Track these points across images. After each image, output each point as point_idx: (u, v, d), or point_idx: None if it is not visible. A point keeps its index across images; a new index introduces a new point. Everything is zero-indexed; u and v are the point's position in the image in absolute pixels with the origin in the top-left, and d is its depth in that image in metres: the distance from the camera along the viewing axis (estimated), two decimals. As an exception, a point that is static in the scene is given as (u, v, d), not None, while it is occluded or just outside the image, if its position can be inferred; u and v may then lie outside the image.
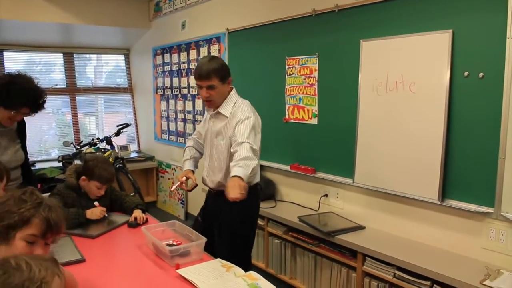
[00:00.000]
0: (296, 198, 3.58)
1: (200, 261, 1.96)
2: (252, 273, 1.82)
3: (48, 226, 1.42)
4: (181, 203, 5.18)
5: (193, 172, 2.55)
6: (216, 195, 2.49)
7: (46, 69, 5.60)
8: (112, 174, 2.53)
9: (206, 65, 2.30)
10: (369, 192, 2.96)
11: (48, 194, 2.55)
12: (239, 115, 2.29)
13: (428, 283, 2.35)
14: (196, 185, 2.43)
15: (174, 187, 2.43)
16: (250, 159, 2.07)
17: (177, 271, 1.83)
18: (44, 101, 2.52)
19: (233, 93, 2.43)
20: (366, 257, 2.66)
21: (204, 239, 2.01)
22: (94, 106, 6.08)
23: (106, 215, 2.49)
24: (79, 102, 5.85)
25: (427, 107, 2.50)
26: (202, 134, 2.61)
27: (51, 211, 1.42)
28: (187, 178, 2.43)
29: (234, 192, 1.85)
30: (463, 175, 2.40)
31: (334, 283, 2.94)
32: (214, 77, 2.29)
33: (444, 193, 2.49)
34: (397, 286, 2.52)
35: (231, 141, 2.30)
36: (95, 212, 2.42)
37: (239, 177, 1.94)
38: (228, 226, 2.45)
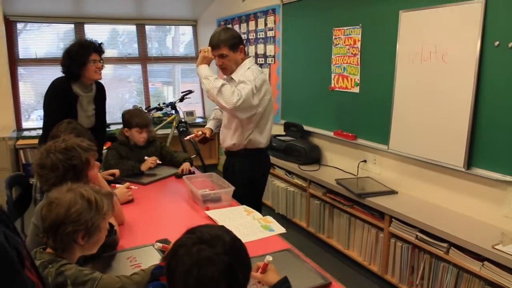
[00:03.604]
0: (338, 163, 3.76)
1: (228, 206, 2.27)
2: (268, 217, 2.10)
3: (95, 152, 1.88)
4: (238, 166, 5.53)
5: (211, 130, 2.88)
6: (227, 153, 2.84)
7: (122, 40, 6.14)
8: (145, 119, 2.97)
9: (216, 36, 2.56)
10: (402, 159, 3.08)
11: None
12: (240, 79, 2.53)
13: (445, 245, 2.48)
14: (205, 138, 2.77)
15: (188, 137, 2.84)
16: (215, 88, 2.42)
17: (206, 212, 2.15)
18: (101, 43, 2.92)
19: (248, 61, 2.64)
20: (393, 219, 2.82)
21: (232, 188, 2.32)
22: (171, 76, 6.56)
23: (160, 162, 2.89)
24: (159, 72, 6.38)
25: (458, 76, 2.56)
26: None
27: (83, 142, 1.82)
28: (203, 133, 2.76)
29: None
30: (489, 144, 2.46)
31: (365, 243, 3.13)
32: (223, 46, 2.53)
33: (470, 161, 2.56)
34: (418, 247, 2.67)
35: None
36: (147, 163, 2.81)
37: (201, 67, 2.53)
38: (236, 178, 2.69)
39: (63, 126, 2.29)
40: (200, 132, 2.77)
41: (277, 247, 1.79)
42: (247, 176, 2.69)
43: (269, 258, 1.41)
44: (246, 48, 4.98)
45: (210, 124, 2.95)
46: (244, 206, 2.26)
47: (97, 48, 2.87)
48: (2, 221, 0.91)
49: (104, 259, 1.66)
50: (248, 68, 2.60)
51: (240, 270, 1.03)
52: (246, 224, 2.00)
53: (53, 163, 1.70)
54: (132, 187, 2.41)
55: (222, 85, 2.42)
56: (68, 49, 2.85)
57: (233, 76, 2.63)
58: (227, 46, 2.54)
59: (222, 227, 1.12)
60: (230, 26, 5.38)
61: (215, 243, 1.01)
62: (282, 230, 1.97)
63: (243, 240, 1.82)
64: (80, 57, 2.79)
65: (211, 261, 0.98)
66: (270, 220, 2.06)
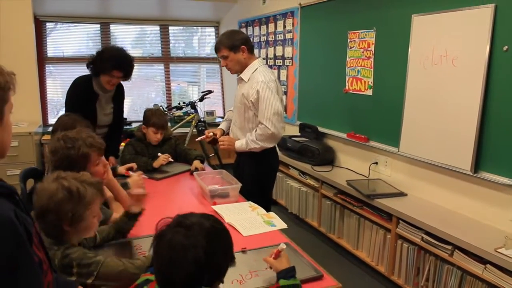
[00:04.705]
0: (351, 165, 3.80)
1: (235, 202, 2.36)
2: (271, 214, 2.17)
3: (99, 149, 1.92)
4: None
5: (223, 131, 3.01)
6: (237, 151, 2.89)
7: (150, 39, 6.31)
8: (164, 121, 3.08)
9: (218, 40, 2.73)
10: (412, 161, 3.11)
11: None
12: (254, 85, 2.63)
13: (449, 247, 2.50)
14: (215, 139, 2.88)
15: (199, 138, 2.93)
16: (254, 142, 2.66)
17: (212, 206, 2.24)
18: (132, 65, 3.01)
19: (257, 62, 2.75)
20: (400, 221, 2.85)
21: (239, 185, 2.41)
22: (197, 76, 6.72)
23: (172, 160, 2.98)
24: (185, 72, 6.56)
25: (467, 81, 2.58)
26: None
27: (89, 138, 1.89)
28: (214, 134, 2.87)
29: (225, 145, 2.76)
30: (496, 148, 2.47)
31: (373, 243, 3.16)
32: (223, 48, 2.69)
33: (478, 164, 2.57)
34: (424, 249, 2.70)
35: (247, 102, 2.69)
36: (160, 160, 2.93)
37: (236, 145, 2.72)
38: (245, 176, 2.79)
39: (61, 119, 2.43)
40: (211, 134, 2.88)
41: (277, 241, 1.85)
42: (256, 173, 2.77)
43: (283, 246, 1.52)
44: (265, 50, 5.09)
45: (222, 125, 3.06)
46: (250, 202, 2.34)
47: (122, 68, 2.95)
48: (15, 202, 1.02)
49: (113, 246, 1.78)
50: (256, 69, 2.70)
51: (213, 253, 1.12)
52: (250, 219, 2.08)
53: (55, 148, 1.84)
54: (144, 176, 2.51)
55: (253, 139, 2.65)
56: (101, 51, 2.98)
57: (242, 76, 2.74)
58: (227, 47, 2.68)
59: (208, 215, 1.21)
60: (249, 27, 5.48)
61: (192, 227, 1.13)
62: (283, 225, 2.04)
63: (245, 234, 1.92)
64: (103, 65, 2.91)
65: (185, 240, 1.10)
66: (272, 216, 2.14)
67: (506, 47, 2.36)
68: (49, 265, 1.13)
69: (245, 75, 2.73)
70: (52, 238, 1.44)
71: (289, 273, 1.43)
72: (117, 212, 2.06)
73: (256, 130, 2.65)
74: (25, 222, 1.00)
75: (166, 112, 5.50)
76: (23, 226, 0.98)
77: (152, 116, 3.03)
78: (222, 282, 1.20)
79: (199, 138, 2.98)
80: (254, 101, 2.64)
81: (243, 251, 1.75)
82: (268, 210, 2.31)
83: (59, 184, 1.42)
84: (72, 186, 1.42)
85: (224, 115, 6.64)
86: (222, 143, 2.80)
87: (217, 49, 2.73)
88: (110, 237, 1.82)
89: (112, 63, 2.91)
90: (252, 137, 2.66)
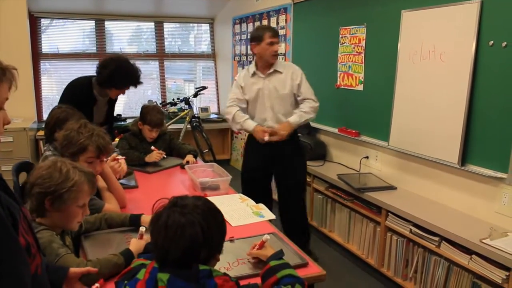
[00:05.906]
0: (343, 159, 3.85)
1: (225, 194, 2.40)
2: (260, 205, 2.21)
3: (99, 150, 1.92)
4: (250, 161, 5.65)
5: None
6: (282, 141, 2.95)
7: (146, 36, 6.32)
8: (160, 120, 3.06)
9: (274, 28, 3.12)
10: (401, 155, 3.15)
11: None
12: (296, 71, 3.08)
13: (437, 239, 2.55)
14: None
15: (266, 138, 2.86)
16: (307, 113, 3.02)
17: (203, 198, 2.27)
18: (140, 77, 3.10)
19: None
20: (389, 213, 2.90)
21: (229, 177, 2.44)
22: (193, 73, 6.74)
23: (165, 156, 3.00)
24: (181, 69, 6.59)
25: (454, 75, 2.62)
26: (243, 99, 3.09)
27: (100, 138, 1.91)
28: (273, 131, 2.91)
29: (282, 131, 2.89)
30: (483, 141, 2.52)
31: (363, 237, 3.21)
32: None
33: (465, 157, 2.62)
34: (413, 241, 2.74)
35: (293, 91, 3.05)
36: (153, 155, 2.94)
37: (291, 121, 2.96)
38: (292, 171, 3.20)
39: (54, 112, 2.50)
40: (269, 129, 2.93)
41: (265, 231, 1.89)
42: (303, 155, 3.22)
43: (267, 237, 1.59)
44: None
45: (254, 122, 3.04)
46: (240, 194, 2.38)
47: (138, 84, 3.07)
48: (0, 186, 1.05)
49: (102, 235, 1.82)
50: (280, 62, 3.10)
51: (209, 229, 1.16)
52: (239, 210, 2.13)
53: (69, 127, 1.93)
54: (119, 157, 2.48)
55: (306, 111, 3.02)
56: (114, 68, 2.93)
57: (277, 68, 3.03)
58: None
59: (199, 196, 1.27)
60: (243, 24, 5.52)
61: (186, 206, 1.18)
62: (272, 216, 2.08)
63: (234, 224, 1.97)
64: (121, 82, 2.98)
65: (182, 218, 1.16)
66: (261, 207, 2.18)
67: (492, 42, 2.41)
68: (37, 249, 1.16)
69: (279, 67, 3.04)
70: (33, 212, 1.47)
71: (278, 254, 1.49)
72: (109, 203, 2.09)
73: (304, 104, 3.03)
74: (9, 206, 1.01)
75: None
76: (7, 209, 1.00)
77: (148, 114, 3.03)
78: (218, 260, 1.24)
79: (267, 138, 2.87)
80: (300, 83, 3.03)
81: (231, 240, 1.79)
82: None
83: (52, 163, 1.48)
84: (63, 167, 1.48)
85: (219, 112, 6.72)
86: (283, 132, 2.91)
87: (277, 35, 3.03)
88: (98, 227, 1.85)
89: (130, 82, 3.02)
90: (304, 110, 3.01)
